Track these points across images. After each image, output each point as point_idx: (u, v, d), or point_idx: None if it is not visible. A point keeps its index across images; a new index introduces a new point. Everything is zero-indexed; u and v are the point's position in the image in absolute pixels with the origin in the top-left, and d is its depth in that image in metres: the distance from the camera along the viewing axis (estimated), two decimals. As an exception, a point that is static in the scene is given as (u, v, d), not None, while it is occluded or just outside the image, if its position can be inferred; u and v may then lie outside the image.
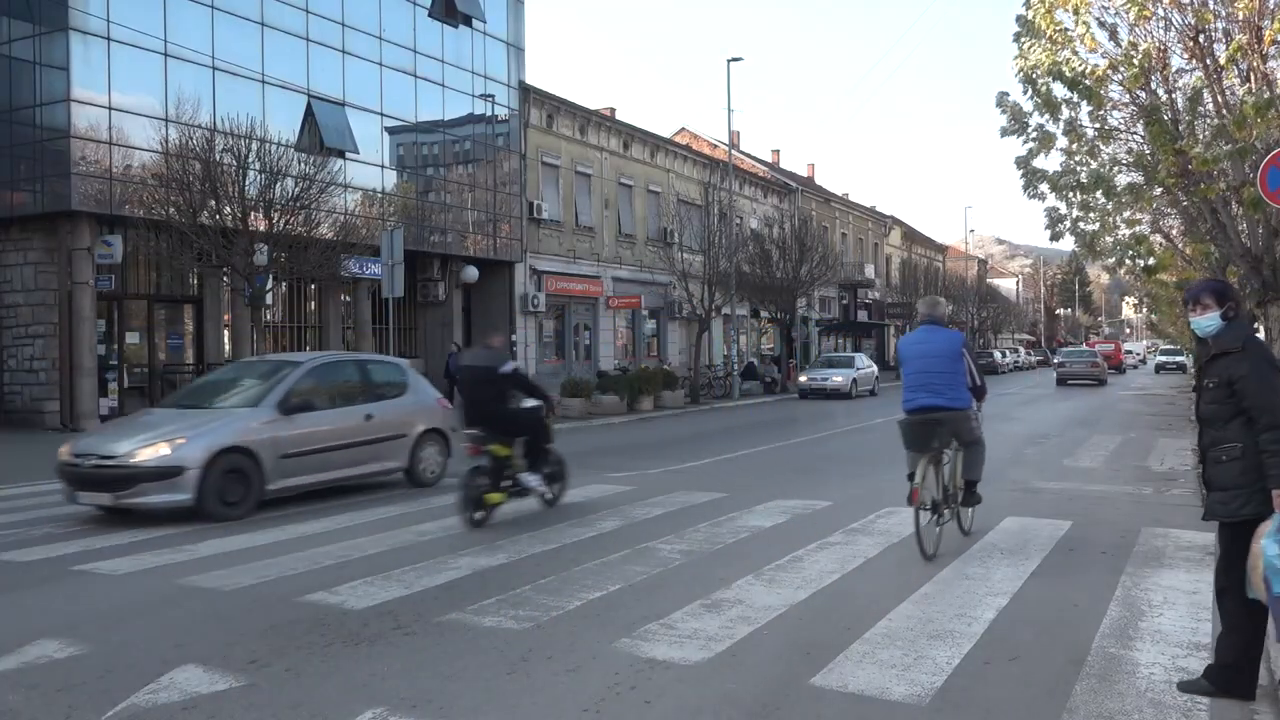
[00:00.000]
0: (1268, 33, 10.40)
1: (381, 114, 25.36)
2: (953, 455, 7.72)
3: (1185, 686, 4.41)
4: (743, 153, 49.47)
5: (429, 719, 4.18)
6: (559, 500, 9.63)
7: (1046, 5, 11.17)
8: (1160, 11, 11.49)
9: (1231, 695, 4.28)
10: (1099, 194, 12.71)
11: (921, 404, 7.38)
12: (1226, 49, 10.72)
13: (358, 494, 11.04)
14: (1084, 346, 59.76)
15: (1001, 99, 12.69)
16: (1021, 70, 11.65)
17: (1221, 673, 4.34)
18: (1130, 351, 73.91)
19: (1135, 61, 11.02)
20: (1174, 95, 12.12)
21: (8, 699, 4.45)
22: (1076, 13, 11.05)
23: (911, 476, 7.13)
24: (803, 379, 33.11)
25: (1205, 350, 4.53)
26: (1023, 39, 11.73)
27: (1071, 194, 12.89)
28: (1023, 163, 12.85)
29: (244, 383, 10.81)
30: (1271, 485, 4.09)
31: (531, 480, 9.12)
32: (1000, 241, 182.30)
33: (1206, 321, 4.44)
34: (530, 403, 9.25)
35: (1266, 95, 10.03)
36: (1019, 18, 11.83)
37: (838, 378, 31.98)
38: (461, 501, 8.52)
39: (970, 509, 8.08)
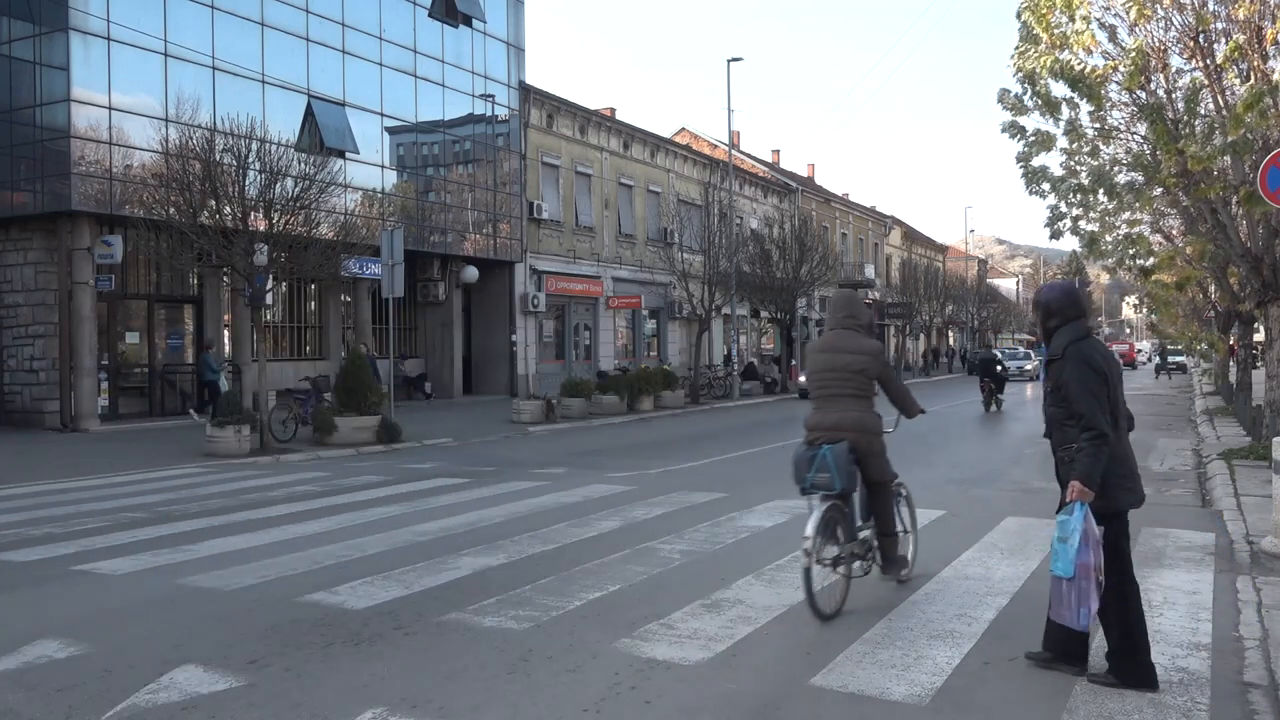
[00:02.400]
0: (1269, 32, 10.40)
1: (382, 114, 25.37)
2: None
3: (1094, 679, 4.53)
4: (743, 153, 49.48)
5: (429, 719, 4.18)
6: None
7: (1043, 8, 11.16)
8: (1160, 12, 11.49)
9: (1128, 685, 4.41)
10: (1100, 193, 12.72)
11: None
12: (1225, 49, 10.73)
13: (358, 494, 11.06)
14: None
15: (1003, 95, 12.68)
16: (1020, 70, 11.65)
17: (1115, 663, 4.50)
18: (1141, 350, 78.76)
19: (1130, 60, 11.01)
20: (1174, 95, 12.13)
21: (8, 699, 4.45)
22: (1074, 14, 11.04)
23: None
24: (803, 379, 33.11)
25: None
26: (1018, 46, 11.72)
27: (1072, 194, 12.89)
28: (1023, 158, 12.84)
29: None
30: (1073, 475, 4.50)
31: None
32: (1000, 241, 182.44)
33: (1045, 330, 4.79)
34: None
35: (1260, 89, 10.02)
36: (1018, 14, 11.82)
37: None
38: None
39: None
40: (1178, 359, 54.68)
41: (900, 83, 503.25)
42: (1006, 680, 4.59)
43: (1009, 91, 12.64)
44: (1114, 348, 41.95)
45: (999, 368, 25.28)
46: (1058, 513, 4.69)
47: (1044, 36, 11.23)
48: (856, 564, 5.97)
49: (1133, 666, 4.46)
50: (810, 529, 5.51)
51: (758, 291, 34.33)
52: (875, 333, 11.22)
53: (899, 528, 6.29)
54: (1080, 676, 4.54)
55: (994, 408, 23.93)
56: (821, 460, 5.84)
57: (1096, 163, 13.00)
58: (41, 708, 4.33)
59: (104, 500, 10.64)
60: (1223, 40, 11.25)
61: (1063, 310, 4.75)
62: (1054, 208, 13.60)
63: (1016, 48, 11.67)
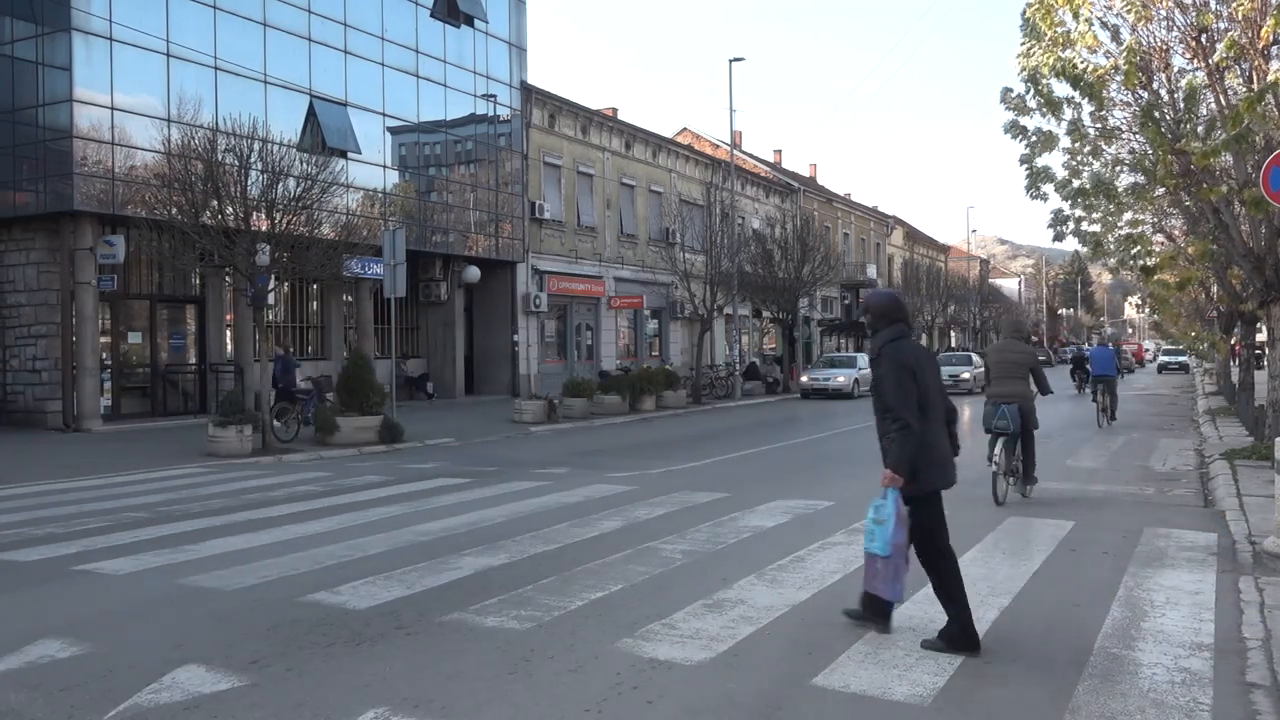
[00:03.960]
0: (1265, 29, 10.38)
1: (383, 114, 25.39)
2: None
3: (926, 644, 5.03)
4: (745, 153, 49.47)
5: (431, 719, 4.18)
6: None
7: (1046, 6, 11.16)
8: (1162, 12, 11.48)
9: (955, 650, 4.91)
10: (1100, 196, 12.73)
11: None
12: (1223, 47, 10.72)
13: (360, 494, 11.07)
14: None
15: (1005, 95, 12.68)
16: (1024, 69, 11.64)
17: (946, 628, 5.03)
18: (1148, 350, 79.66)
19: (1126, 59, 11.00)
20: (1175, 95, 12.11)
21: (10, 699, 4.45)
22: (1076, 14, 11.03)
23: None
24: (805, 379, 33.10)
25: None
26: (1023, 42, 11.72)
27: (1075, 198, 12.90)
28: (1026, 160, 12.84)
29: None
30: (886, 463, 5.03)
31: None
32: (1002, 242, 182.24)
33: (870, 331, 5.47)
34: None
35: (1261, 86, 10.00)
36: (1023, 12, 11.82)
37: (840, 378, 31.97)
38: None
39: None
40: (1180, 359, 54.67)
41: (902, 83, 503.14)
42: (1008, 680, 4.59)
43: (1011, 91, 12.65)
44: (1124, 347, 41.84)
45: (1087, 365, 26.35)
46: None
47: (1048, 33, 11.22)
48: (1011, 478, 9.84)
49: (958, 631, 4.98)
50: (997, 453, 9.58)
51: (759, 291, 34.32)
52: (1030, 339, 15.66)
53: (1034, 460, 10.14)
54: (885, 633, 5.20)
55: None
56: (1002, 413, 9.73)
57: (1098, 163, 13.00)
58: (44, 708, 4.34)
59: (106, 500, 10.65)
60: (1224, 39, 11.23)
61: (886, 314, 5.32)
62: (1057, 211, 13.62)
63: (1022, 43, 11.67)
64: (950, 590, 5.02)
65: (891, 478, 5.00)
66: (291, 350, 21.18)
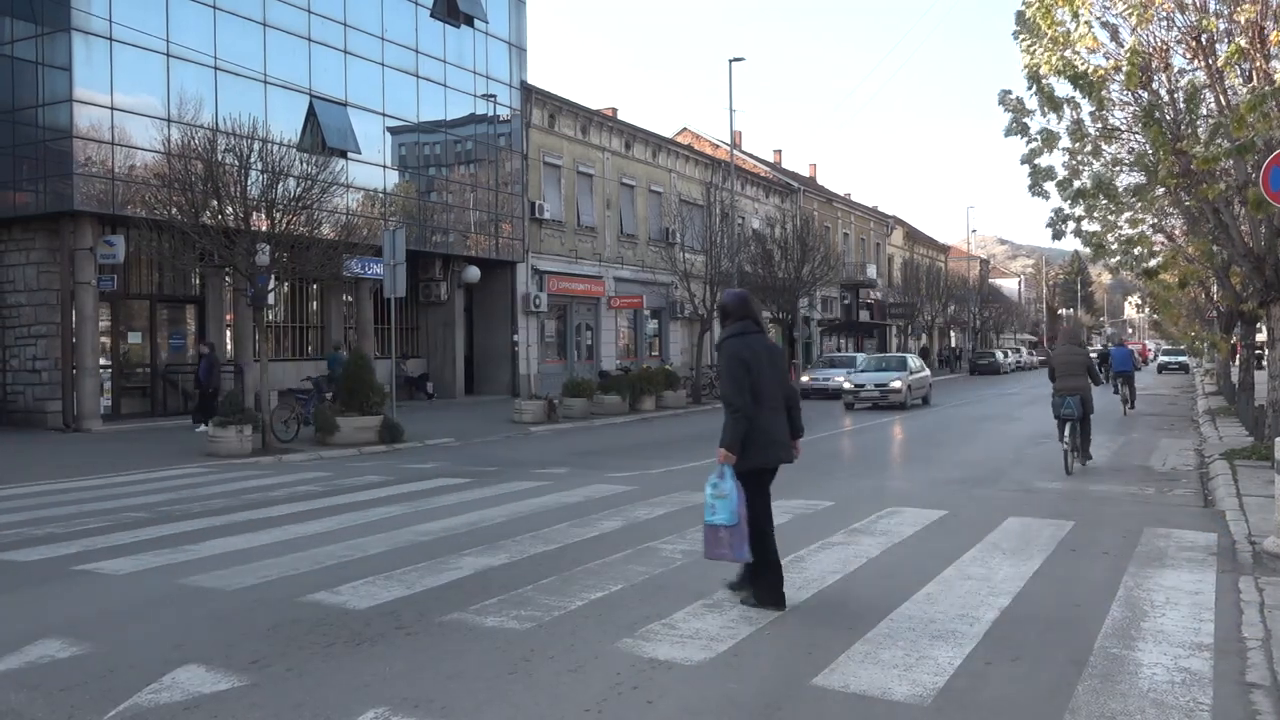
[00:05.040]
0: (1273, 34, 10.37)
1: (383, 114, 25.39)
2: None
3: (744, 600, 5.84)
4: (745, 153, 49.48)
5: (431, 718, 4.18)
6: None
7: (1045, 5, 11.15)
8: (1162, 13, 11.47)
9: (764, 605, 5.74)
10: (1101, 196, 12.73)
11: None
12: (1227, 51, 10.71)
13: (360, 494, 11.07)
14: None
15: (1004, 97, 12.68)
16: (1026, 68, 11.64)
17: (755, 587, 5.84)
18: (1150, 349, 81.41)
19: (1129, 60, 11.00)
20: (1176, 95, 12.11)
21: (10, 699, 4.45)
22: (1076, 14, 11.02)
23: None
24: (805, 379, 33.08)
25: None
26: (1022, 37, 11.71)
27: (1075, 198, 12.90)
28: (1027, 159, 12.84)
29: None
30: (720, 444, 5.66)
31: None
32: (1002, 241, 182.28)
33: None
34: None
35: (1263, 90, 10.00)
36: (1018, 14, 11.82)
37: (840, 378, 31.91)
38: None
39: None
40: (1180, 359, 54.69)
41: (902, 83, 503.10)
42: (1009, 680, 4.59)
43: (1010, 93, 12.65)
44: (1129, 347, 42.36)
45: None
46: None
47: (1048, 32, 11.21)
48: (1075, 453, 12.47)
49: (767, 589, 5.79)
50: (1067, 435, 12.25)
51: (759, 291, 34.21)
52: (1086, 344, 18.75)
53: (1091, 439, 13.25)
54: (780, 612, 5.72)
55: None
56: (1068, 404, 12.22)
57: (1098, 163, 12.99)
58: (44, 707, 4.34)
59: (106, 500, 10.65)
60: (1225, 41, 11.23)
61: (734, 312, 5.97)
62: (1058, 210, 13.62)
63: (1023, 39, 11.65)
64: (765, 553, 5.79)
65: (725, 456, 5.65)
66: (215, 349, 20.74)
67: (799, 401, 6.15)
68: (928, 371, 30.11)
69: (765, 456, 5.79)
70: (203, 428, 17.63)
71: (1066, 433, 12.21)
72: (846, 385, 27.05)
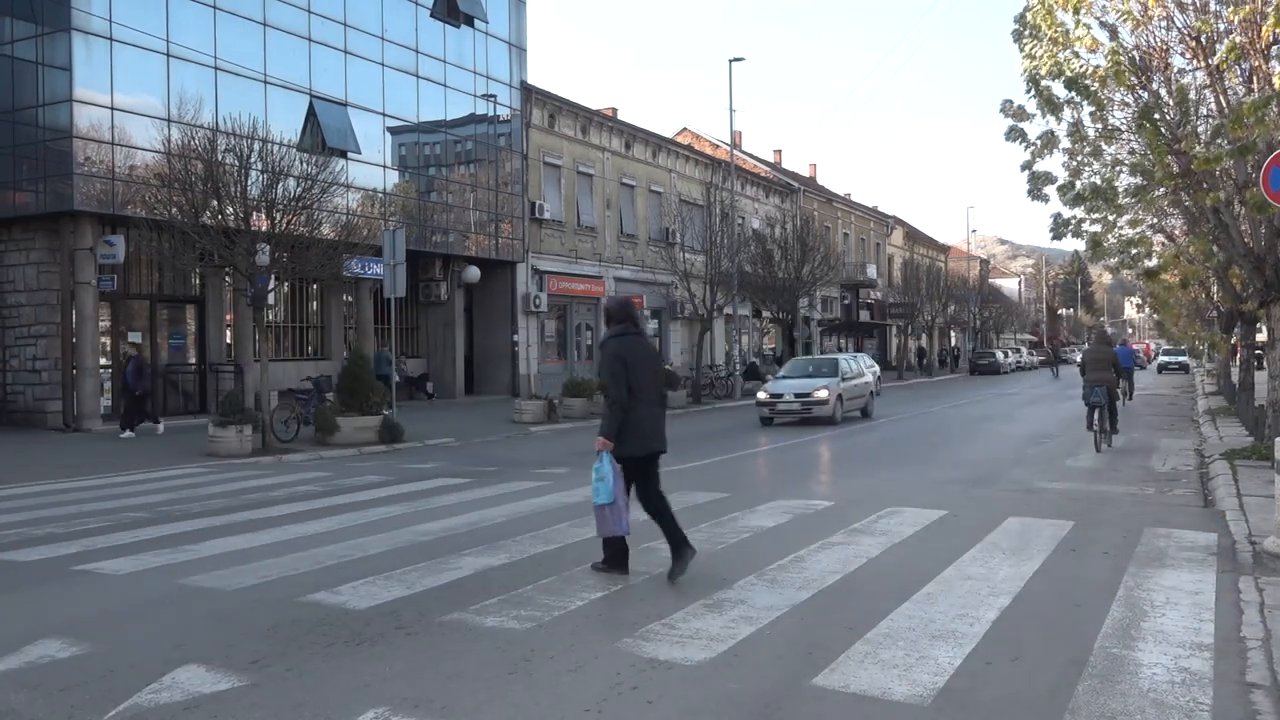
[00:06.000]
0: (1265, 28, 10.37)
1: (383, 114, 25.39)
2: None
3: (595, 567, 6.71)
4: (745, 153, 49.47)
5: (431, 718, 4.18)
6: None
7: (1046, 6, 11.15)
8: (1161, 12, 11.47)
9: (611, 570, 6.61)
10: (1100, 201, 12.72)
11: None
12: (1224, 49, 10.71)
13: (360, 494, 11.07)
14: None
15: (1006, 106, 12.67)
16: (1026, 70, 11.64)
17: (605, 555, 6.70)
18: (1153, 349, 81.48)
19: (1112, 60, 11.00)
20: (1174, 95, 12.10)
21: (10, 699, 4.45)
22: (1076, 13, 11.03)
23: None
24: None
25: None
26: (1024, 39, 11.71)
27: (1075, 201, 12.90)
28: (1027, 165, 12.84)
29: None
30: (599, 433, 6.44)
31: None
32: (1002, 241, 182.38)
33: None
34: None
35: (1265, 93, 10.00)
36: (1018, 17, 11.82)
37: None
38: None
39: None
40: (1180, 359, 54.68)
41: (902, 83, 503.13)
42: (1008, 680, 4.58)
43: (1012, 103, 12.64)
44: (1132, 347, 42.37)
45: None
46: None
47: (1048, 33, 11.21)
48: (1103, 435, 14.66)
49: (614, 557, 6.65)
50: (1095, 419, 14.59)
51: (759, 291, 34.32)
52: (1113, 345, 20.23)
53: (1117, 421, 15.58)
54: (624, 575, 6.58)
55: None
56: (1096, 393, 14.58)
57: (1098, 165, 12.98)
58: (44, 707, 4.33)
59: (106, 500, 10.65)
60: (1224, 41, 11.23)
61: (617, 315, 6.78)
62: (1057, 215, 13.64)
63: (1025, 43, 11.65)
64: (664, 524, 6.64)
65: (603, 444, 6.37)
66: (145, 352, 19.76)
67: (666, 399, 7.05)
68: (871, 376, 24.91)
69: (641, 445, 6.55)
70: (128, 433, 17.48)
71: (1095, 419, 14.60)
72: (761, 395, 21.66)
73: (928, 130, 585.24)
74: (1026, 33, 11.68)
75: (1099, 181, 12.69)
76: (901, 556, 7.30)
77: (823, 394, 20.58)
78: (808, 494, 10.38)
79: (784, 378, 22.60)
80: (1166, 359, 57.15)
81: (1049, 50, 11.25)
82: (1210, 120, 11.86)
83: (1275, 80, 10.05)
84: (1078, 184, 12.85)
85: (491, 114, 29.19)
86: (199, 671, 4.75)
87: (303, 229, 16.07)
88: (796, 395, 20.81)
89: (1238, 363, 22.88)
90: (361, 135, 24.40)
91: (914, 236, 69.38)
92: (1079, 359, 17.16)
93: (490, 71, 29.06)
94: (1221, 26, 11.34)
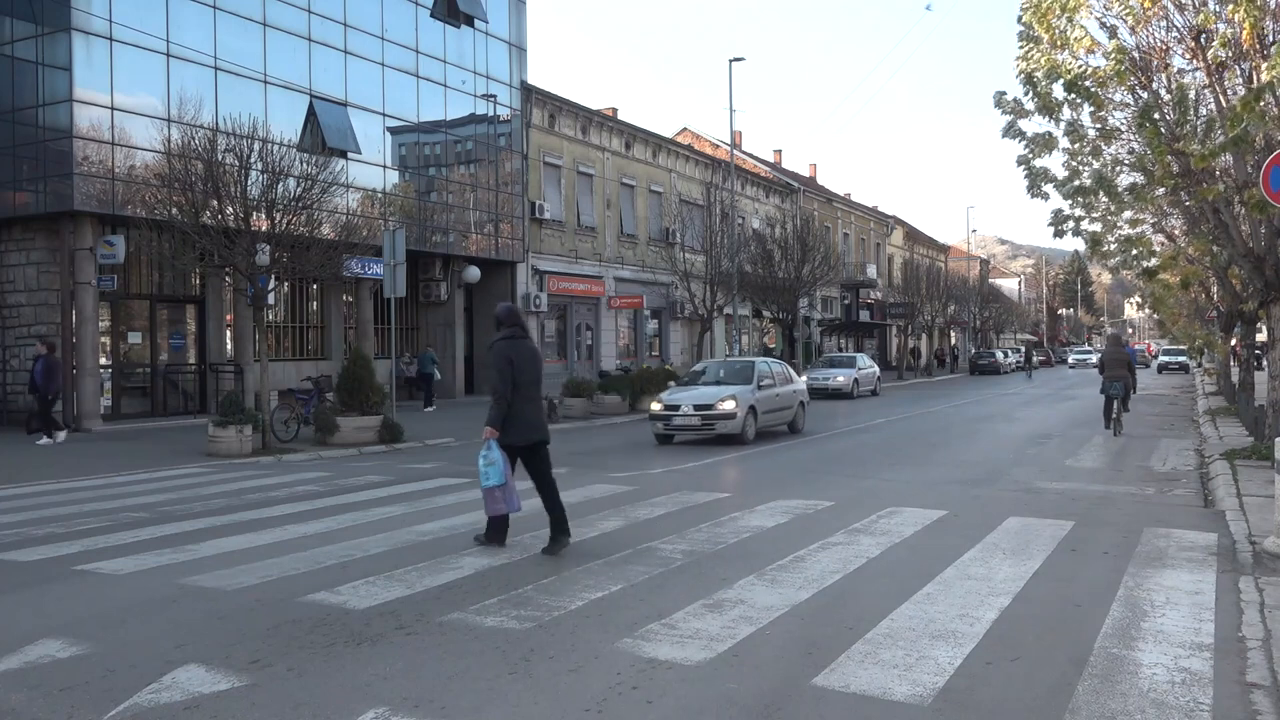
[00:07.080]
0: (1245, 25, 10.34)
1: (384, 114, 25.39)
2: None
3: (477, 539, 7.80)
4: (745, 153, 49.49)
5: (431, 718, 4.18)
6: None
7: (1041, 10, 11.14)
8: (1160, 12, 11.47)
9: (490, 543, 7.69)
10: (1101, 194, 12.72)
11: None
12: (1217, 43, 10.70)
13: (360, 494, 11.07)
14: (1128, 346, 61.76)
15: (1000, 99, 12.66)
16: (1022, 72, 11.64)
17: (487, 531, 7.80)
18: (1155, 348, 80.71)
19: (1113, 61, 11.00)
20: (1175, 95, 12.11)
21: (10, 699, 4.45)
22: (1071, 18, 11.02)
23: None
24: (805, 379, 33.03)
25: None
26: (1025, 40, 11.71)
27: (1075, 196, 12.90)
28: (1024, 161, 12.84)
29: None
30: (486, 423, 7.46)
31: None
32: (1002, 241, 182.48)
33: None
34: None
35: (1261, 84, 9.98)
36: (1019, 18, 11.82)
37: (840, 377, 31.92)
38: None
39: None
40: (1180, 359, 54.66)
41: (902, 83, 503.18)
42: (1009, 680, 4.59)
43: (1005, 95, 12.63)
44: (1135, 347, 42.33)
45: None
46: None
47: (1045, 36, 11.21)
48: (1117, 422, 17.43)
49: (495, 532, 7.68)
50: (1114, 409, 17.62)
51: (760, 291, 34.34)
52: (1128, 346, 22.91)
53: (1128, 408, 18.88)
54: (502, 546, 7.65)
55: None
56: (1115, 387, 17.68)
57: (1098, 164, 12.99)
58: (44, 707, 4.33)
59: (106, 500, 10.65)
60: (1217, 37, 11.23)
61: (505, 320, 7.77)
62: (1057, 211, 13.63)
63: (1020, 46, 11.66)
64: (550, 503, 7.67)
65: (490, 432, 7.41)
66: (57, 351, 18.09)
67: (555, 406, 8.17)
68: (799, 382, 20.59)
69: (522, 435, 7.56)
70: (45, 440, 16.67)
71: (1114, 410, 17.56)
72: (655, 407, 17.41)
73: (927, 130, 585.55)
74: (1027, 34, 11.68)
75: (1101, 167, 12.69)
76: (902, 556, 7.30)
77: (728, 405, 16.48)
78: (808, 494, 10.39)
79: (688, 384, 18.47)
80: (1166, 359, 57.11)
81: (1045, 52, 11.24)
82: (1207, 117, 11.87)
83: (1265, 73, 10.03)
84: (1076, 182, 12.86)
85: (491, 114, 29.19)
86: (199, 671, 4.75)
87: (303, 229, 16.06)
88: (696, 408, 16.67)
89: (1237, 362, 22.89)
90: (361, 135, 24.40)
91: (914, 236, 69.39)
92: (1095, 359, 19.59)
93: (490, 71, 29.05)
94: (1220, 27, 11.33)
